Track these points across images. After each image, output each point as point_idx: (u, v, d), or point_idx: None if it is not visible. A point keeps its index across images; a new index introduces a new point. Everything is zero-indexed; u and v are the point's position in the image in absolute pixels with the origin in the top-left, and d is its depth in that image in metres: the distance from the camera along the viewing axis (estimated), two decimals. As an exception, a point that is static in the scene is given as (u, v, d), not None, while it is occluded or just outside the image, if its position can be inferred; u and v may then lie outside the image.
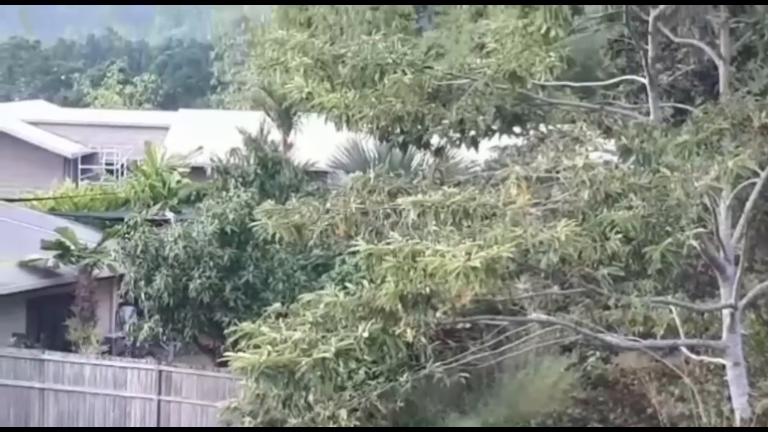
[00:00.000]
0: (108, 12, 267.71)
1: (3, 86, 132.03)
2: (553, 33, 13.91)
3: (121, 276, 27.81)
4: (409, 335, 12.99)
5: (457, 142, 15.92)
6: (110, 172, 52.73)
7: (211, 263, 25.13)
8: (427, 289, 12.32)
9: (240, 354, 12.58)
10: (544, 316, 16.97)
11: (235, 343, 13.06)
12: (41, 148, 56.00)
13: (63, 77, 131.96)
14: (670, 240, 12.48)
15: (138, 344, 27.84)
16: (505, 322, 17.50)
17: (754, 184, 14.50)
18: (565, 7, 13.62)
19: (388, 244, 12.43)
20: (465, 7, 14.04)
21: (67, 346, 29.62)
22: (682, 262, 13.28)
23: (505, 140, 17.65)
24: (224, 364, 14.23)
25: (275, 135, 34.16)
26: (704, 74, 19.96)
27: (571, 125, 16.24)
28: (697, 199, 13.05)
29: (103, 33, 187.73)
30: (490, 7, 14.61)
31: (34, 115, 63.68)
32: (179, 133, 50.01)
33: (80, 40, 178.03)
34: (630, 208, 12.61)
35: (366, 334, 12.68)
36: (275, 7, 55.39)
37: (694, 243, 12.79)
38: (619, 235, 12.43)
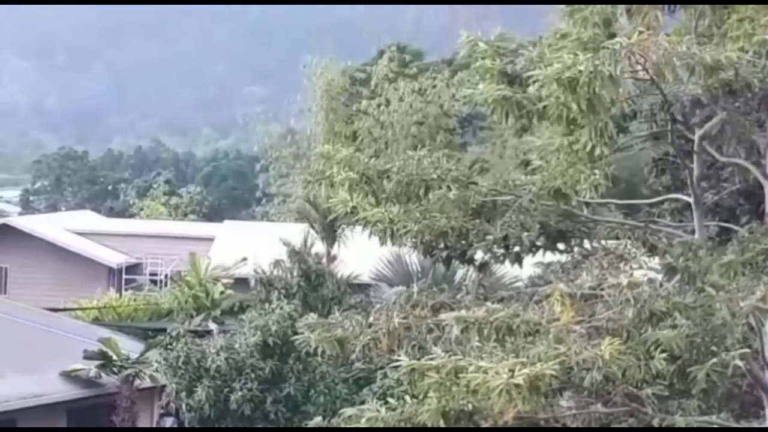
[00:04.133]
0: (156, 124, 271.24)
1: (50, 196, 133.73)
2: (598, 151, 13.94)
3: (163, 387, 27.79)
4: (451, 453, 12.86)
5: (501, 258, 15.91)
6: (154, 282, 53.03)
7: (253, 375, 25.11)
8: (470, 406, 12.25)
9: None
10: (587, 435, 16.78)
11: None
12: (86, 258, 56.48)
13: (110, 187, 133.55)
14: (715, 360, 12.37)
15: (178, 456, 27.73)
16: (548, 440, 17.31)
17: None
18: (611, 126, 13.66)
19: (430, 359, 12.37)
20: (510, 122, 14.07)
21: (106, 457, 29.52)
22: (727, 382, 13.15)
23: (549, 257, 17.63)
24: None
25: (319, 247, 34.26)
26: (750, 193, 19.94)
27: (616, 242, 16.19)
28: (742, 319, 12.92)
29: (151, 144, 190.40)
30: (535, 123, 14.63)
31: (80, 224, 64.38)
32: (224, 244, 50.25)
33: (128, 151, 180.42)
34: (675, 327, 12.52)
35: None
36: (321, 120, 55.94)
37: (740, 363, 12.65)
38: (664, 354, 12.32)
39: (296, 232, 33.67)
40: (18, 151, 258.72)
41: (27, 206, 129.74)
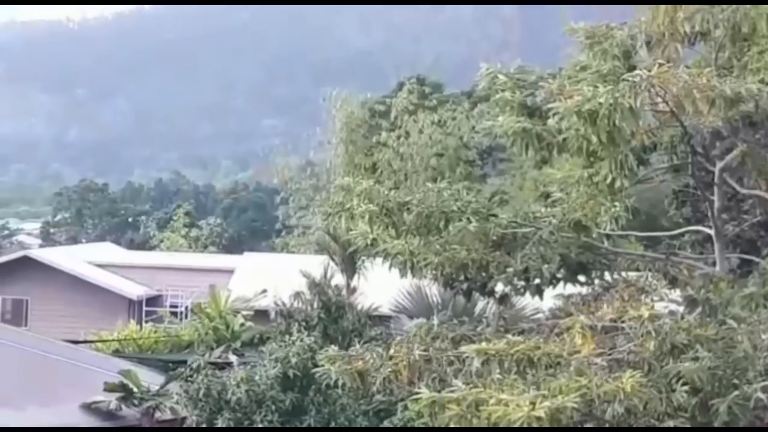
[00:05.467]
0: (176, 156, 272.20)
1: (71, 228, 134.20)
2: (618, 183, 13.96)
3: (183, 419, 27.74)
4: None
5: (522, 290, 15.92)
6: (174, 314, 53.02)
7: (273, 407, 25.03)
8: (491, 439, 12.21)
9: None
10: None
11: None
12: (107, 290, 56.60)
13: (130, 219, 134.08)
14: (737, 393, 12.32)
15: (197, 488, 27.64)
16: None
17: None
18: (631, 158, 13.70)
19: (451, 392, 12.35)
20: (530, 154, 14.12)
21: (126, 489, 29.45)
22: (749, 415, 13.08)
23: (570, 288, 17.61)
24: None
25: (339, 279, 34.24)
26: (771, 225, 19.92)
27: (637, 274, 16.17)
28: (764, 352, 12.87)
29: (171, 176, 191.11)
30: (555, 155, 14.65)
31: (100, 257, 64.54)
32: (244, 276, 50.29)
33: (148, 183, 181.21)
34: (696, 359, 12.48)
35: (428, 483, 12.56)
36: (340, 152, 56.10)
37: (762, 396, 12.59)
38: (686, 387, 12.28)
39: (316, 264, 33.65)
40: (39, 183, 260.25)
41: (48, 238, 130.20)
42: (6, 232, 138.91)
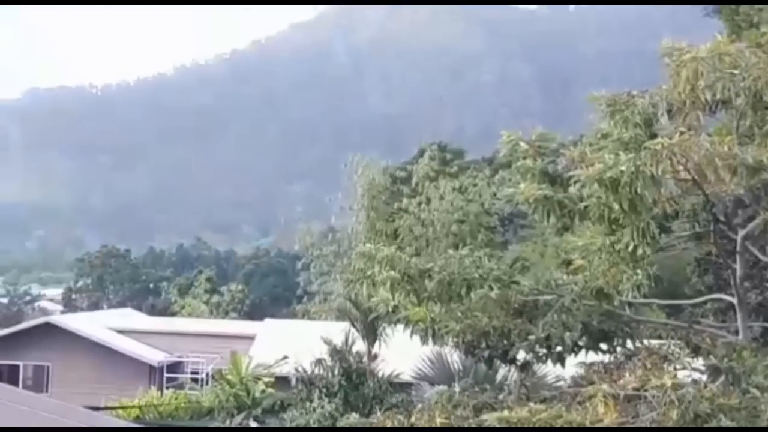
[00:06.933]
0: (197, 222, 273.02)
1: (92, 294, 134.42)
2: (640, 251, 13.92)
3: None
4: None
5: (544, 358, 15.86)
6: (195, 380, 52.93)
7: (294, 475, 24.97)
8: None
9: None
10: None
11: None
12: (128, 356, 56.58)
13: (151, 285, 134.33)
14: (761, 462, 12.23)
15: None
16: None
17: None
18: (653, 226, 13.68)
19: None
20: (551, 221, 14.11)
21: None
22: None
23: (592, 356, 17.53)
24: None
25: (360, 346, 34.17)
26: (793, 294, 19.83)
27: (659, 343, 16.09)
28: (788, 420, 12.79)
29: (192, 242, 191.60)
30: (577, 222, 14.64)
31: (121, 322, 64.63)
32: (264, 342, 50.17)
33: (169, 249, 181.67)
34: (720, 428, 12.39)
35: None
36: (362, 218, 56.14)
37: (786, 466, 12.50)
38: (709, 457, 12.20)
39: (337, 331, 33.61)
40: (61, 249, 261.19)
41: (69, 304, 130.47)
42: (28, 297, 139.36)
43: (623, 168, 12.63)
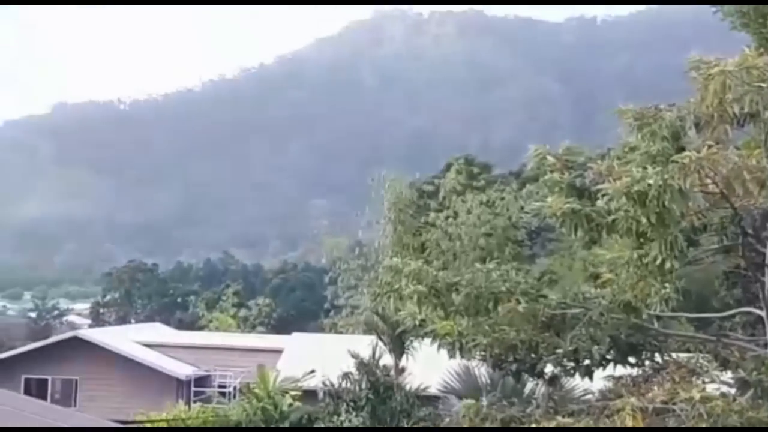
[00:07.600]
0: (225, 237, 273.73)
1: (120, 308, 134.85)
2: (668, 264, 13.89)
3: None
4: None
5: (571, 371, 15.83)
6: (223, 394, 53.03)
7: (322, 489, 24.98)
8: None
9: None
10: None
11: None
12: (155, 370, 56.74)
13: (179, 300, 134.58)
14: (791, 476, 12.18)
15: None
16: None
17: None
18: (681, 239, 13.65)
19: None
20: (579, 235, 14.10)
21: None
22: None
23: (620, 370, 17.48)
24: None
25: (387, 359, 34.18)
26: (823, 307, 19.68)
27: (687, 356, 16.06)
28: (818, 434, 12.73)
29: (220, 256, 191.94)
30: (605, 235, 14.62)
31: (149, 337, 64.84)
32: (292, 356, 50.25)
33: (197, 263, 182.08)
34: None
35: None
36: (389, 232, 56.11)
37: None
38: (739, 471, 12.16)
39: (364, 344, 33.65)
40: (90, 263, 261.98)
41: (97, 318, 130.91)
42: (56, 312, 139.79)
43: (651, 181, 12.62)
